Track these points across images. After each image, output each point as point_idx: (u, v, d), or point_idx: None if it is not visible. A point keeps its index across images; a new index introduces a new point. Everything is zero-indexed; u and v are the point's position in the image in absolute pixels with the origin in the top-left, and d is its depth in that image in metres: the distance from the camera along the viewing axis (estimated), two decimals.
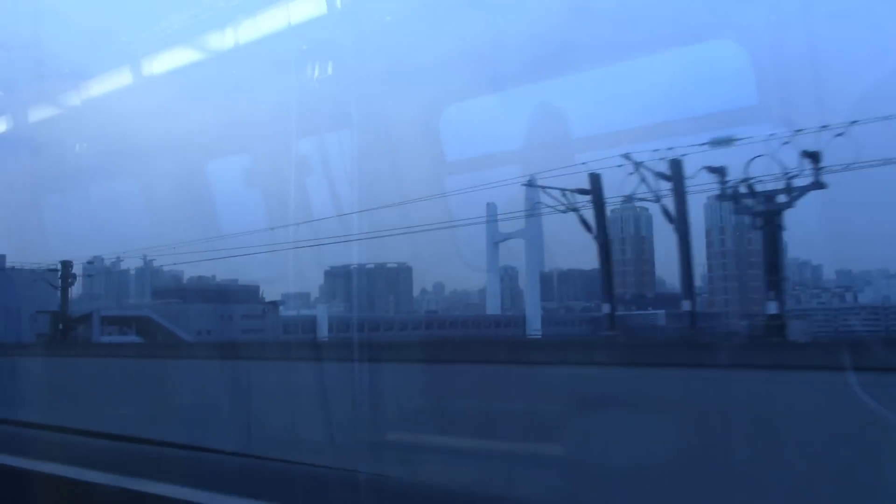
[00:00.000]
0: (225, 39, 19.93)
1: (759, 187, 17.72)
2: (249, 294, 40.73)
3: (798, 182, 17.39)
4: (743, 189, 18.76)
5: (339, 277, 33.66)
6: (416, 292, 38.90)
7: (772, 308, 18.91)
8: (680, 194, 20.08)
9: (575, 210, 21.14)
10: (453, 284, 45.90)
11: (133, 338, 36.88)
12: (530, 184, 22.09)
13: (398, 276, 35.25)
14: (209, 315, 38.24)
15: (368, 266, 31.35)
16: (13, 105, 20.97)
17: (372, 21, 18.77)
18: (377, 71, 20.60)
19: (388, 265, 33.92)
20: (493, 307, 42.96)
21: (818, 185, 17.83)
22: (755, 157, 17.21)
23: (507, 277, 46.02)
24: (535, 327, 41.27)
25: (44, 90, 21.34)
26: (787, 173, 17.25)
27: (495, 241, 42.17)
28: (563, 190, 20.77)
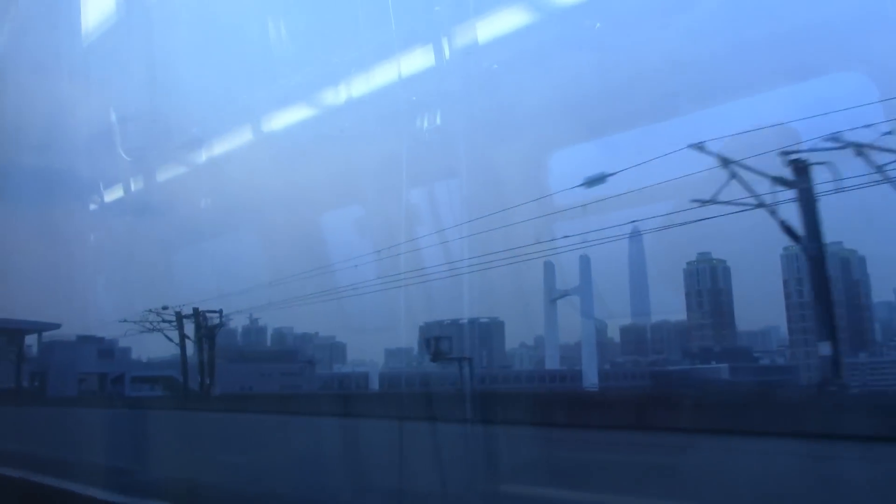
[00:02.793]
0: (338, 94, 20.80)
1: None
2: (289, 354, 44.18)
3: None
4: None
5: (430, 333, 33.86)
6: (514, 345, 39.08)
7: None
8: None
9: None
10: (573, 336, 45.82)
11: (159, 393, 41.76)
12: None
13: (490, 331, 35.28)
14: (246, 373, 42.12)
15: (461, 321, 31.36)
16: (142, 172, 22.12)
17: (480, 70, 19.29)
18: (485, 118, 21.07)
19: (482, 319, 34.04)
20: (551, 362, 43.26)
21: None
22: None
23: (597, 332, 45.86)
24: (591, 381, 41.37)
25: (169, 156, 22.53)
26: None
27: (552, 299, 42.74)
28: None
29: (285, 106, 20.97)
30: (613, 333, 52.39)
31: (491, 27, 16.96)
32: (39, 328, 45.50)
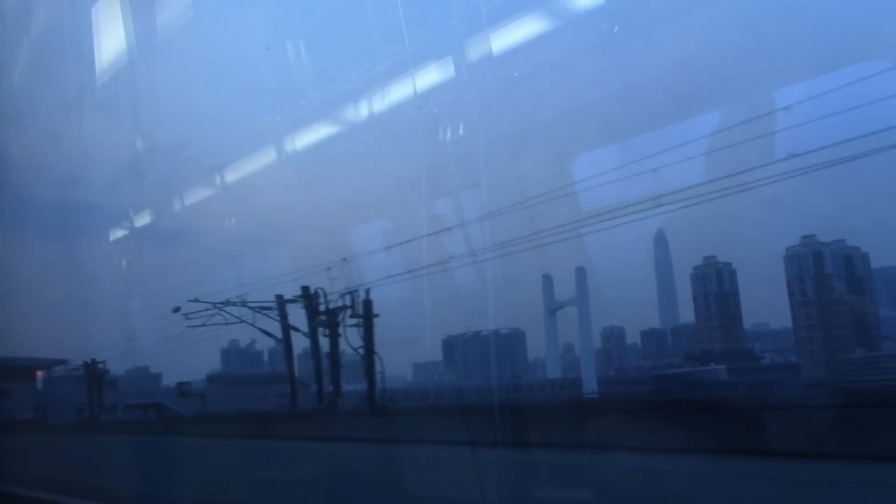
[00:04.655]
0: (358, 112, 21.01)
1: None
2: (282, 376, 46.77)
3: None
4: None
5: (455, 345, 34.10)
6: (540, 354, 39.57)
7: None
8: None
9: None
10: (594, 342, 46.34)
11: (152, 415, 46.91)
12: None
13: (512, 341, 35.48)
14: (242, 397, 43.39)
15: (483, 332, 31.46)
16: (168, 200, 22.31)
17: (499, 79, 19.45)
18: (506, 127, 21.27)
19: (501, 331, 34.18)
20: (553, 371, 44.16)
21: None
22: None
23: (614, 337, 46.36)
24: (590, 389, 42.49)
25: (194, 182, 22.71)
26: None
27: (552, 310, 43.83)
28: None
29: (306, 126, 21.20)
30: (635, 338, 52.85)
31: (509, 36, 17.15)
32: (48, 364, 48.91)
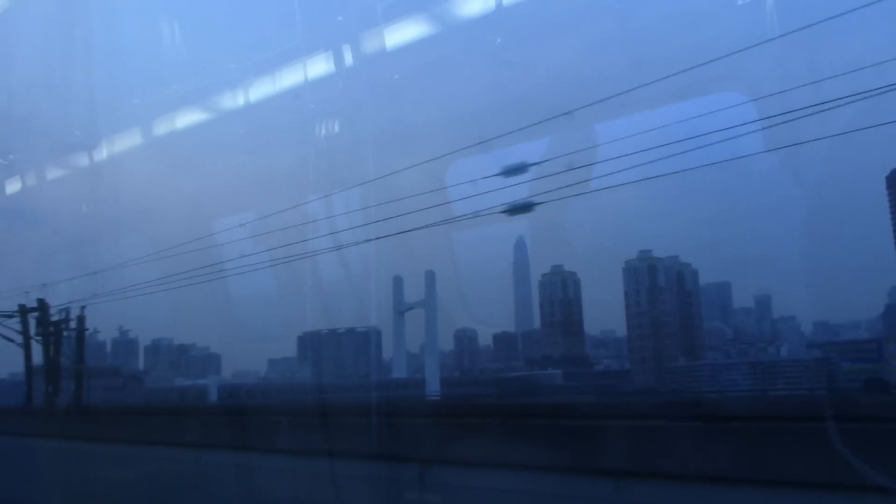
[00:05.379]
0: (236, 100, 20.46)
1: None
2: (111, 370, 45.81)
3: None
4: None
5: (310, 342, 33.64)
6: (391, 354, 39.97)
7: None
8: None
9: None
10: (447, 344, 46.67)
11: None
12: None
13: (368, 340, 35.39)
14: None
15: (339, 330, 31.37)
16: (13, 176, 20.75)
17: (381, 79, 19.61)
18: (384, 127, 21.42)
19: (358, 329, 34.05)
20: (399, 371, 44.55)
21: None
22: None
23: (467, 339, 47.36)
24: (433, 389, 43.47)
25: (46, 160, 21.26)
26: None
27: (400, 311, 44.36)
28: None
29: (177, 111, 20.37)
30: (488, 340, 54.35)
31: (394, 37, 17.28)
32: None
